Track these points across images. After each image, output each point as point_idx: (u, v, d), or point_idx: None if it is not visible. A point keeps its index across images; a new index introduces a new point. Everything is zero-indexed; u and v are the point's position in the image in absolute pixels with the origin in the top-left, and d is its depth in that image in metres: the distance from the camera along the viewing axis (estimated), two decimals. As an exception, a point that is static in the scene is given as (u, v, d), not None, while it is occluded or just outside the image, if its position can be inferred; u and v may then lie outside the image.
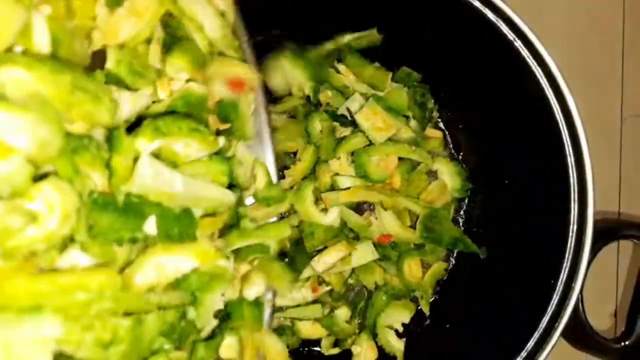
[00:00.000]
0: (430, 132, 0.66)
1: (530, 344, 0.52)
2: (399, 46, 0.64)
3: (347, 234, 0.61)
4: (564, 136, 0.54)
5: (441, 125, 0.69)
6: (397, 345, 0.58)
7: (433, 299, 0.65)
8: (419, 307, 0.63)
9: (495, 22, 0.56)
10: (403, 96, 0.61)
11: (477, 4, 0.56)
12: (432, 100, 0.66)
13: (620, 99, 0.82)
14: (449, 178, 0.65)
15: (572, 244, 0.53)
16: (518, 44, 0.56)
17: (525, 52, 0.56)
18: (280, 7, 0.58)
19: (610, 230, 0.55)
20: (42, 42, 0.32)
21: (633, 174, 0.80)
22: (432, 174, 0.66)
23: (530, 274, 0.56)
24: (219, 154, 0.38)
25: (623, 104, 0.82)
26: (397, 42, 0.65)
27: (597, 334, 0.53)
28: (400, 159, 0.62)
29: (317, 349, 0.64)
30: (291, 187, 0.60)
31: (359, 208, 0.64)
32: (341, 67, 0.63)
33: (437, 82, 0.67)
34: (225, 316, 0.39)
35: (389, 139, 0.60)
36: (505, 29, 0.56)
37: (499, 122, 0.63)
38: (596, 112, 0.78)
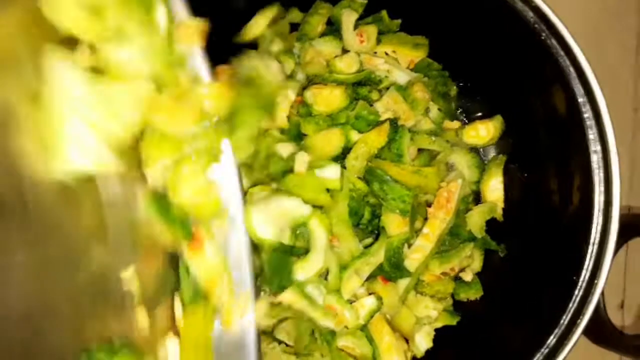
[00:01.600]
0: (448, 123, 0.65)
1: (551, 340, 0.52)
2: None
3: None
4: (589, 129, 0.53)
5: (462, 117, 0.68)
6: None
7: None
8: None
9: (522, 9, 0.54)
10: (424, 86, 0.59)
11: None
12: (454, 87, 0.64)
13: (633, 89, 0.81)
14: (466, 170, 0.63)
15: (596, 239, 0.52)
16: (542, 30, 0.54)
17: (551, 41, 0.54)
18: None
19: (633, 226, 0.55)
20: None
21: (645, 166, 0.79)
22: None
23: (552, 271, 0.55)
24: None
25: (636, 94, 0.81)
26: (415, 32, 0.63)
27: (619, 331, 0.52)
28: (419, 150, 0.61)
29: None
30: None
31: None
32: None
33: (455, 71, 0.65)
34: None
35: (409, 130, 0.58)
36: (530, 14, 0.54)
37: (520, 112, 0.62)
38: (608, 102, 0.78)
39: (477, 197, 0.66)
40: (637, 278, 0.79)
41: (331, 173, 0.52)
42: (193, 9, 0.39)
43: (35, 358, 0.34)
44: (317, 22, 0.59)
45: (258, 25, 0.60)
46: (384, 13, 0.62)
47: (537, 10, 0.53)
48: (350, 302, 0.53)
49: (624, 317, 0.79)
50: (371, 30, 0.59)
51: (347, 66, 0.58)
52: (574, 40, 0.53)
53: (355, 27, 0.59)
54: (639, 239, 0.59)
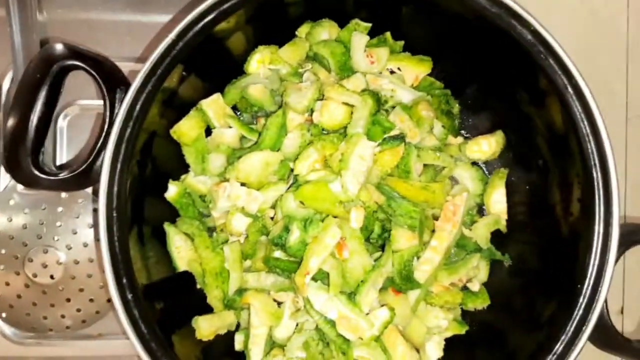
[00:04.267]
0: (451, 139, 0.67)
1: (558, 347, 0.53)
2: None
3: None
4: (587, 143, 0.55)
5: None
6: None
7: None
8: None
9: (521, 31, 0.56)
10: (429, 105, 0.62)
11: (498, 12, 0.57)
12: (457, 105, 0.67)
13: (625, 99, 0.83)
14: (470, 183, 0.66)
15: (598, 248, 0.54)
16: (540, 51, 0.56)
17: (548, 61, 0.56)
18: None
19: (632, 234, 0.57)
20: None
21: (638, 176, 0.81)
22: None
23: (556, 279, 0.58)
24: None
25: (628, 104, 0.83)
26: (417, 52, 0.66)
27: (622, 336, 0.54)
28: (424, 165, 0.63)
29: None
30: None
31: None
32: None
33: (456, 90, 0.68)
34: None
35: (415, 146, 0.61)
36: (528, 37, 0.56)
37: (520, 127, 0.64)
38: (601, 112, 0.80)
39: (480, 209, 0.68)
40: (636, 284, 0.81)
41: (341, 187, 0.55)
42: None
43: None
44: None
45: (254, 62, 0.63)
46: (387, 35, 0.64)
47: (535, 33, 0.55)
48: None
49: (624, 322, 0.81)
50: (382, 52, 0.61)
51: (354, 87, 0.60)
52: (570, 60, 0.56)
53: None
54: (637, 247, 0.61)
